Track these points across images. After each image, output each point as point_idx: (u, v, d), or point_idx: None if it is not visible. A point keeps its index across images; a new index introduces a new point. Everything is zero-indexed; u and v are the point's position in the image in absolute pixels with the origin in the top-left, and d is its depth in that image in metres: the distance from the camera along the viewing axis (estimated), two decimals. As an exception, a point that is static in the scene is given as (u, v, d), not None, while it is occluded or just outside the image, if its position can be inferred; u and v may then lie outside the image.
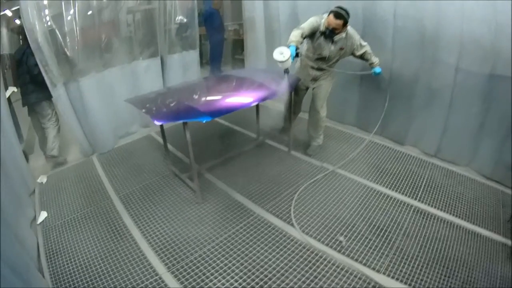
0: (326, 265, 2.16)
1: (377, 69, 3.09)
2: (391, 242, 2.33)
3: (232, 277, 2.09)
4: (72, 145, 3.96)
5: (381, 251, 2.26)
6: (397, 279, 2.04)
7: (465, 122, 3.06)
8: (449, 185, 2.96)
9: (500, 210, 2.66)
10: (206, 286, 2.04)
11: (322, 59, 3.07)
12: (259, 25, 4.80)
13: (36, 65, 3.11)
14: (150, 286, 2.06)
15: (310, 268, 2.14)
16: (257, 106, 3.63)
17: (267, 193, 2.91)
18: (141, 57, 4.22)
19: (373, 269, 2.12)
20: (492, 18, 2.62)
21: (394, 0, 3.19)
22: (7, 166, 2.46)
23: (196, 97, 2.96)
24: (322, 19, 2.88)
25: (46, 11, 3.24)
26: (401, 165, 3.29)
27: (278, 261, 2.20)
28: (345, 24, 2.80)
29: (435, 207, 2.68)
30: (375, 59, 3.06)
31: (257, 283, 2.05)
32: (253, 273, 2.11)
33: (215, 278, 2.09)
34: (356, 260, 2.19)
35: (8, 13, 4.72)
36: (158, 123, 2.47)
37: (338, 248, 2.29)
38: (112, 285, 2.08)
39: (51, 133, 3.52)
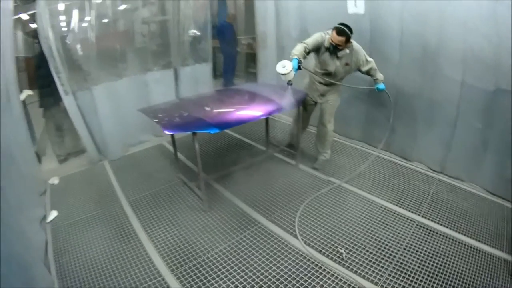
0: (325, 276, 2.20)
1: (381, 86, 3.16)
2: (391, 256, 2.35)
3: (233, 283, 2.16)
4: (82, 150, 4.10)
5: (381, 264, 2.29)
6: (394, 292, 2.07)
7: (470, 138, 3.08)
8: (453, 201, 2.97)
9: (503, 226, 2.65)
10: (207, 290, 2.12)
11: (328, 74, 3.17)
12: (270, 39, 4.96)
13: None
14: (153, 286, 2.15)
15: (309, 278, 2.19)
16: (266, 119, 3.75)
17: (272, 204, 2.98)
18: (155, 68, 4.37)
19: (371, 281, 2.15)
20: (493, 33, 2.67)
21: (400, 17, 3.28)
22: (18, 165, 2.56)
23: (205, 109, 3.09)
24: (327, 35, 2.99)
25: (62, 18, 3.39)
26: (407, 180, 3.31)
27: (278, 270, 2.26)
28: (347, 40, 2.90)
29: (438, 222, 2.70)
30: (379, 75, 3.13)
31: (256, 290, 2.11)
32: (253, 280, 2.18)
33: (216, 282, 2.16)
34: (355, 272, 2.23)
35: (24, 16, 4.93)
36: (168, 132, 2.61)
37: (338, 260, 2.33)
38: (116, 284, 2.18)
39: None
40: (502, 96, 2.77)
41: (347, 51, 3.00)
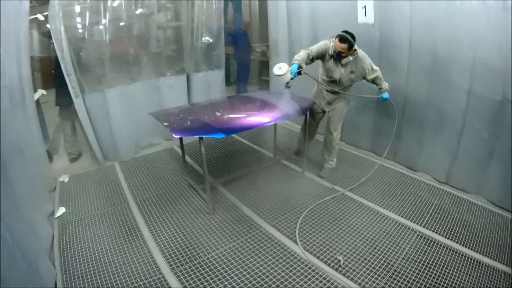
0: (321, 281, 2.23)
1: (385, 95, 3.18)
2: (389, 265, 2.36)
3: (230, 284, 2.22)
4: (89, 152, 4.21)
5: (378, 272, 2.30)
6: (389, 300, 2.09)
7: (476, 148, 3.06)
8: (456, 212, 2.96)
9: (506, 238, 2.63)
10: (205, 290, 2.19)
11: (334, 82, 3.21)
12: (282, 47, 5.04)
13: None
14: (152, 283, 2.24)
15: (305, 282, 2.22)
16: (275, 126, 3.82)
17: (275, 210, 3.04)
18: (168, 73, 4.48)
19: (367, 289, 2.18)
20: (503, 40, 2.65)
21: (409, 26, 3.30)
22: (29, 161, 2.67)
23: (213, 114, 3.19)
24: (331, 43, 3.05)
25: (76, 20, 3.45)
26: (411, 191, 3.31)
27: (275, 273, 2.30)
28: (350, 47, 2.94)
29: (439, 233, 2.69)
30: (384, 85, 3.15)
31: (253, 292, 2.17)
32: (250, 282, 2.23)
33: (214, 283, 2.23)
34: (352, 279, 2.25)
35: (40, 17, 5.03)
36: (175, 136, 2.71)
37: (336, 267, 2.36)
38: (117, 279, 2.28)
39: None
40: (509, 106, 2.75)
41: (351, 58, 3.04)
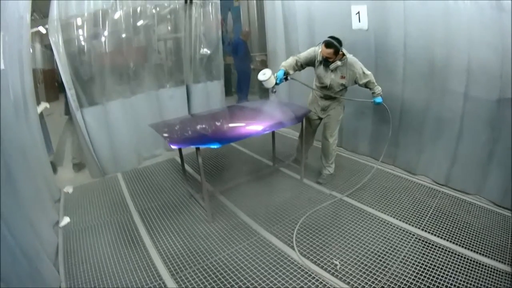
0: (317, 286, 2.25)
1: (378, 99, 3.19)
2: (386, 268, 2.37)
3: (228, 289, 2.26)
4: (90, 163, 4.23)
5: (375, 276, 2.31)
6: (385, 303, 2.09)
7: (475, 150, 3.07)
8: (456, 214, 2.95)
9: (507, 238, 2.61)
10: (203, 296, 2.23)
11: (325, 87, 3.26)
12: (280, 55, 5.09)
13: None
14: (152, 289, 2.29)
15: (302, 287, 2.25)
16: (273, 134, 3.88)
17: (273, 217, 3.07)
18: (167, 85, 4.56)
19: (363, 292, 2.18)
20: (498, 41, 2.68)
21: (403, 30, 3.34)
22: (35, 172, 2.77)
23: (209, 124, 3.27)
24: (319, 49, 3.11)
25: (76, 33, 3.48)
26: (410, 194, 3.31)
27: (272, 278, 2.33)
28: (336, 52, 2.99)
29: (437, 235, 2.69)
30: (377, 89, 3.16)
31: (250, 297, 2.20)
32: (248, 287, 2.27)
33: (212, 288, 2.27)
34: (348, 283, 2.26)
35: (42, 30, 5.09)
36: (174, 147, 2.78)
37: (332, 271, 2.38)
38: (119, 284, 2.34)
39: None
40: (507, 105, 2.76)
41: (339, 63, 3.07)
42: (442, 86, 3.18)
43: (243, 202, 3.32)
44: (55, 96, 4.77)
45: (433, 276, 2.27)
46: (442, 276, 2.27)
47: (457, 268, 2.34)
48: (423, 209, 3.05)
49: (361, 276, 2.32)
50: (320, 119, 3.57)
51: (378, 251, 2.55)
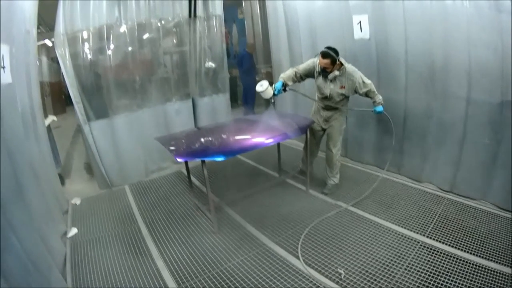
0: (322, 295, 2.28)
1: (378, 108, 3.20)
2: (391, 276, 2.37)
3: (233, 299, 2.30)
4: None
5: (379, 284, 2.31)
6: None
7: (479, 154, 3.07)
8: (461, 220, 2.95)
9: (513, 241, 2.59)
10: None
11: (326, 98, 3.31)
12: (285, 67, 5.08)
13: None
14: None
15: (307, 297, 2.28)
16: (278, 146, 3.93)
17: (279, 228, 3.10)
18: (174, 99, 4.63)
19: (367, 300, 2.20)
20: (498, 42, 2.69)
21: (404, 37, 3.38)
22: (43, 185, 2.85)
23: (214, 138, 3.32)
24: (317, 60, 3.17)
25: (82, 47, 3.54)
26: (415, 201, 3.31)
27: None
28: (333, 62, 3.04)
29: (442, 242, 2.68)
30: (378, 98, 3.19)
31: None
32: (252, 297, 2.31)
33: (218, 298, 2.31)
34: (352, 291, 2.28)
35: (48, 43, 5.19)
36: (179, 160, 2.86)
37: (337, 280, 2.39)
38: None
39: None
40: (509, 108, 2.77)
41: (337, 73, 3.12)
42: (444, 91, 3.20)
43: (249, 213, 3.36)
44: (62, 109, 4.84)
45: (438, 283, 2.27)
46: (447, 283, 2.26)
47: (463, 274, 2.33)
48: (428, 216, 3.05)
49: (365, 284, 2.33)
50: (323, 130, 3.60)
51: (382, 259, 2.55)
